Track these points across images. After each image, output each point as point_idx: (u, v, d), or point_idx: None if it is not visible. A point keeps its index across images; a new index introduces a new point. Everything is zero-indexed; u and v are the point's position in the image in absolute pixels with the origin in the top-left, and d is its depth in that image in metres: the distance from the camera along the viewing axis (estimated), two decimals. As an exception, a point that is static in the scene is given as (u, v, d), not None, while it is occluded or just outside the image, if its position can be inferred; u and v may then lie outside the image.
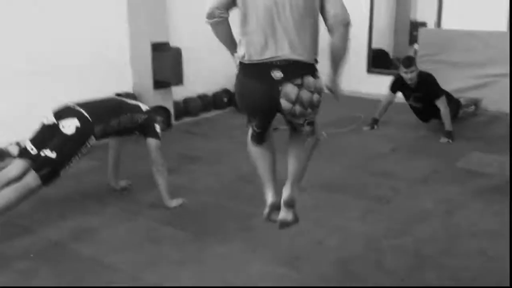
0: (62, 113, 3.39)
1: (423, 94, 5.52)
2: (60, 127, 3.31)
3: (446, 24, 7.64)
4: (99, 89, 5.57)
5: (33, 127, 3.48)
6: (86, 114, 3.38)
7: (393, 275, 2.84)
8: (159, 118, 3.94)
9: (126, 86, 5.94)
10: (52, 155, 3.20)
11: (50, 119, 3.40)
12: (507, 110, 6.28)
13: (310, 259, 2.98)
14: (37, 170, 3.17)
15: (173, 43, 6.00)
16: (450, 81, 6.62)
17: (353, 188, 4.15)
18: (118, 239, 3.30)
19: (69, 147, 3.28)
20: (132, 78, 6.00)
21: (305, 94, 2.38)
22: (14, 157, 3.35)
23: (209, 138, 5.61)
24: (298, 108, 2.40)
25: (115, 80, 5.80)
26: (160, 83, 5.91)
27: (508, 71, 6.40)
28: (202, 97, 6.68)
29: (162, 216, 3.63)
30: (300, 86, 2.35)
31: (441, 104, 5.45)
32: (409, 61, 5.52)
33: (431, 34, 7.41)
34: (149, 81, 5.88)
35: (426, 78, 5.52)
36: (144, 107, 3.80)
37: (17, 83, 4.90)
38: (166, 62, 5.82)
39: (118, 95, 5.74)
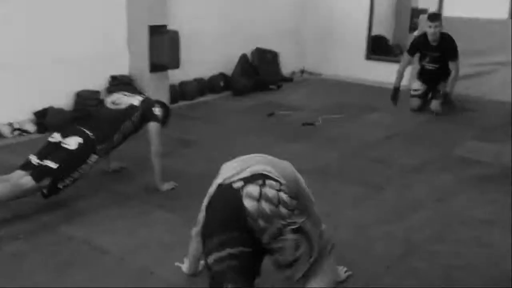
0: (67, 132, 3.47)
1: (441, 53, 5.68)
2: (64, 143, 3.38)
3: (447, 11, 7.56)
4: (96, 72, 5.58)
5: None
6: (89, 133, 3.46)
7: (380, 261, 2.83)
8: (157, 109, 3.85)
9: (122, 69, 5.89)
10: (53, 165, 3.26)
11: (56, 137, 3.44)
12: (507, 99, 6.25)
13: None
14: (36, 179, 3.22)
15: (171, 26, 5.94)
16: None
17: (347, 175, 4.14)
18: (109, 221, 3.29)
19: (70, 161, 3.35)
20: (128, 60, 5.95)
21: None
22: (17, 168, 3.37)
23: (204, 122, 5.58)
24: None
25: (111, 63, 5.76)
26: (157, 66, 5.87)
27: (509, 60, 6.37)
28: (198, 81, 6.64)
29: (155, 199, 3.62)
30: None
31: (455, 66, 5.66)
32: (436, 16, 5.74)
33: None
34: (145, 64, 5.84)
35: (448, 38, 5.70)
36: (137, 101, 3.76)
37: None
38: (163, 45, 5.78)
39: (114, 77, 5.72)
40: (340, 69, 7.94)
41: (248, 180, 2.03)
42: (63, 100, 5.31)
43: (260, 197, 1.92)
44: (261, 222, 1.88)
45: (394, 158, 4.50)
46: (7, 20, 4.80)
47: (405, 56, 6.06)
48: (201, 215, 2.31)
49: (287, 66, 7.92)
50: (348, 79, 7.71)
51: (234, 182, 2.04)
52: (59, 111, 5.15)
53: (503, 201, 3.63)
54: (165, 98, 6.07)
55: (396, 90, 5.97)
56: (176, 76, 6.25)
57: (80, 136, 3.42)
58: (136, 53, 5.89)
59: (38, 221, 3.26)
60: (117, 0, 5.72)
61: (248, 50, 7.26)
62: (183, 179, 3.95)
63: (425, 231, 3.20)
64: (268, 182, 2.00)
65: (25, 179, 3.22)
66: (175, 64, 5.92)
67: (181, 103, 6.29)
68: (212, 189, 2.21)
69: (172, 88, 6.22)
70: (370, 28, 7.75)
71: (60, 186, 3.34)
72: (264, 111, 5.94)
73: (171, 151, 4.58)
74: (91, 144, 3.44)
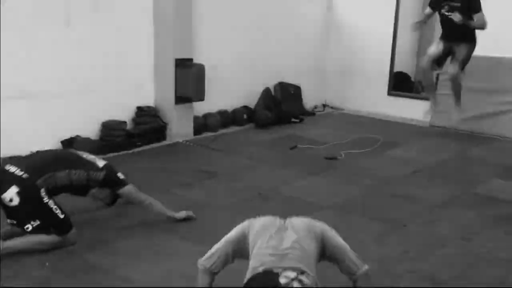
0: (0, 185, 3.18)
1: (462, 3, 5.53)
2: (6, 202, 3.15)
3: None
4: (122, 102, 5.69)
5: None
6: (19, 174, 3.18)
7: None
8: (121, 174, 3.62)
9: (148, 100, 6.01)
10: (35, 223, 3.18)
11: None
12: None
13: (322, 281, 2.96)
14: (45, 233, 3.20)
15: (197, 59, 6.07)
16: (471, 107, 6.57)
17: (370, 210, 4.12)
18: (134, 251, 3.32)
19: (31, 212, 3.18)
20: (154, 92, 6.07)
21: None
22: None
23: (227, 154, 5.63)
24: None
25: (138, 94, 5.89)
26: (182, 98, 5.97)
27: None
28: (222, 113, 6.72)
29: (179, 230, 3.64)
30: None
31: (481, 18, 5.52)
32: None
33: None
34: (171, 96, 5.95)
35: None
36: (101, 163, 3.51)
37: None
38: (189, 78, 5.89)
39: (140, 108, 5.83)
40: (362, 104, 7.97)
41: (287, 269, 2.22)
42: (89, 129, 5.42)
43: (295, 278, 2.13)
44: None
45: (417, 194, 4.47)
46: (35, 48, 4.93)
47: (427, 9, 6.00)
48: (217, 253, 2.48)
49: (309, 100, 7.99)
50: (370, 114, 7.73)
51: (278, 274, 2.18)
52: (86, 140, 5.24)
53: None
54: (189, 129, 6.18)
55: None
56: (200, 107, 6.35)
57: (13, 184, 3.13)
58: (161, 85, 6.01)
59: (63, 248, 3.29)
60: (145, 33, 5.87)
61: (271, 84, 7.35)
62: (205, 211, 3.98)
63: (450, 269, 3.16)
64: (304, 275, 2.20)
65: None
66: (200, 97, 6.02)
67: (205, 135, 6.36)
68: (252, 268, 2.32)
69: (196, 119, 6.30)
70: (392, 65, 7.80)
71: (50, 228, 3.23)
72: (286, 144, 5.97)
73: (192, 182, 4.63)
74: (29, 183, 3.17)
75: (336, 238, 2.51)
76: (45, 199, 3.21)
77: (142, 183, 4.06)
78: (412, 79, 8.39)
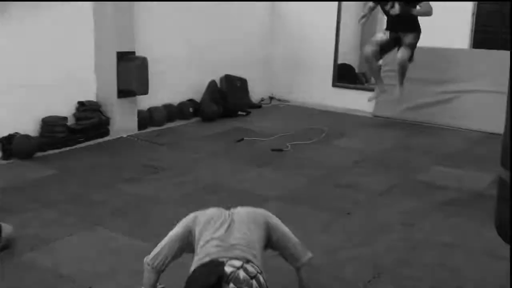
0: None
1: None
2: None
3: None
4: (63, 98, 5.53)
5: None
6: None
7: (350, 286, 2.86)
8: None
9: (90, 95, 5.86)
10: None
11: None
12: (466, 126, 6.49)
13: (269, 271, 2.98)
14: None
15: (140, 52, 5.96)
16: (413, 97, 6.78)
17: (316, 200, 4.18)
18: (76, 249, 3.24)
19: None
20: (96, 86, 5.92)
21: None
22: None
23: (173, 148, 5.57)
24: None
25: (79, 89, 5.73)
26: (125, 92, 5.86)
27: (470, 89, 6.60)
28: (167, 107, 6.64)
29: (122, 226, 3.58)
30: None
31: (425, 5, 5.65)
32: None
33: (396, 51, 7.55)
34: (113, 90, 5.82)
35: None
36: None
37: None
38: (131, 71, 5.78)
39: (81, 103, 5.68)
40: (307, 96, 8.07)
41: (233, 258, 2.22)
42: (29, 126, 5.23)
43: (241, 267, 2.11)
44: (232, 285, 2.04)
45: (360, 183, 4.58)
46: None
47: (370, 3, 6.08)
48: (163, 252, 2.45)
49: (256, 93, 8.01)
50: (316, 106, 7.83)
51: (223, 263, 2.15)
52: (25, 137, 5.06)
53: (466, 226, 3.73)
54: (133, 123, 6.07)
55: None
56: (145, 101, 6.25)
57: None
58: (103, 79, 5.88)
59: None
60: (84, 26, 5.72)
61: (217, 76, 7.32)
62: (152, 206, 3.93)
63: (392, 255, 3.26)
64: (249, 264, 2.18)
65: None
66: (144, 90, 5.92)
67: (150, 129, 6.27)
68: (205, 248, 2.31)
69: (140, 113, 6.20)
70: (336, 57, 7.92)
71: None
72: (233, 137, 5.97)
73: (138, 177, 4.56)
74: None
75: (280, 226, 2.52)
76: None
77: (86, 180, 3.98)
78: (356, 70, 8.57)
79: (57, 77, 5.46)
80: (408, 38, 5.95)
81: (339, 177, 4.75)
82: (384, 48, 6.17)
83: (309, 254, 2.53)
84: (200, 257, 2.29)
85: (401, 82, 6.17)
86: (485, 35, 6.85)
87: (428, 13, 5.75)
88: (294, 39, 8.14)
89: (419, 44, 6.06)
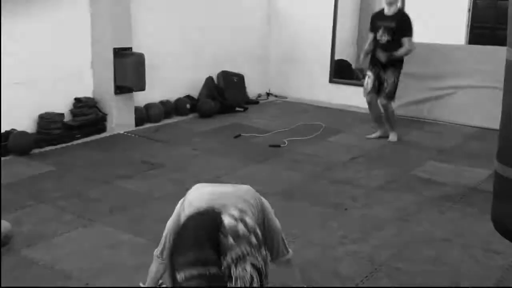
0: None
1: (396, 25, 5.65)
2: None
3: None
4: (60, 94, 5.52)
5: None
6: None
7: (347, 281, 2.87)
8: None
9: (87, 91, 5.86)
10: None
11: None
12: (462, 121, 6.50)
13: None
14: None
15: (137, 49, 5.95)
16: (408, 92, 6.79)
17: (313, 196, 4.19)
18: (73, 245, 3.24)
19: None
20: (93, 83, 5.91)
21: None
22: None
23: (170, 145, 5.57)
24: None
25: (76, 85, 5.72)
26: (122, 88, 5.85)
27: (465, 84, 6.61)
28: (165, 103, 6.64)
29: (119, 222, 3.58)
30: None
31: (408, 42, 5.65)
32: None
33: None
34: (110, 86, 5.82)
35: (404, 13, 5.81)
36: None
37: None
38: (128, 68, 5.77)
39: (78, 100, 5.68)
40: (305, 92, 8.07)
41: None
42: (26, 122, 5.22)
43: (240, 220, 1.95)
44: (230, 239, 1.90)
45: (357, 179, 4.59)
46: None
47: (369, 35, 6.01)
48: (163, 241, 2.39)
49: (253, 89, 8.00)
50: (313, 102, 7.84)
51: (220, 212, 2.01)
52: (22, 133, 5.06)
53: (462, 221, 3.75)
54: (130, 120, 6.07)
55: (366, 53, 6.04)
56: (142, 98, 6.25)
57: None
58: (100, 75, 5.87)
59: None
60: (81, 22, 5.70)
61: (214, 72, 7.31)
62: (148, 202, 3.94)
63: (388, 250, 3.27)
64: (247, 216, 2.04)
65: None
66: (141, 86, 5.92)
67: (147, 125, 6.27)
68: (185, 210, 2.20)
69: (138, 110, 6.20)
70: (333, 52, 7.93)
71: None
72: (230, 133, 5.97)
73: (135, 174, 4.56)
74: None
75: (272, 216, 2.39)
76: None
77: (83, 176, 3.98)
78: (353, 66, 8.57)
79: (54, 74, 5.45)
80: (389, 77, 5.78)
81: (336, 173, 4.76)
82: (379, 89, 6.01)
83: (291, 252, 2.41)
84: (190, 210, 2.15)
85: (391, 128, 6.03)
86: (481, 31, 6.87)
87: (409, 52, 5.73)
88: (291, 35, 8.13)
89: (416, 39, 6.04)
